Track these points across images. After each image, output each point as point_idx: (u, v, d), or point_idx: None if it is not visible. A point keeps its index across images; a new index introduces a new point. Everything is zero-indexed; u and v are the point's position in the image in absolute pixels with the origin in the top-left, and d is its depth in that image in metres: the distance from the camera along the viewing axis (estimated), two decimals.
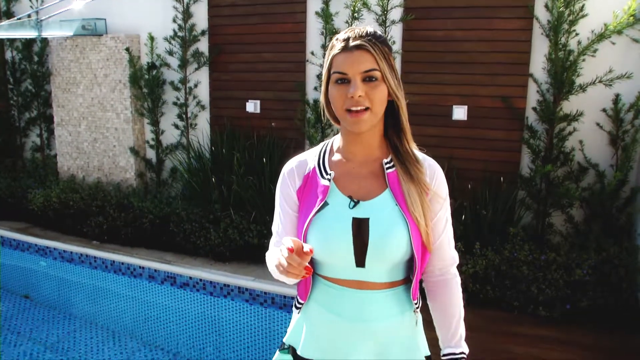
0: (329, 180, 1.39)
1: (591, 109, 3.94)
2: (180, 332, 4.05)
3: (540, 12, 3.94)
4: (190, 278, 4.16)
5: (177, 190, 5.45)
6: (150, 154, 5.73)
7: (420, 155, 1.44)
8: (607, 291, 3.53)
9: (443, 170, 1.46)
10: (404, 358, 1.41)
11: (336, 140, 1.47)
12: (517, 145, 4.19)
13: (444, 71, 4.33)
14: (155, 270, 4.30)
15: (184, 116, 5.40)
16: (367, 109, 1.30)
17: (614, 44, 3.80)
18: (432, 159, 1.46)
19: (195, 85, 5.36)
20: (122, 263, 4.46)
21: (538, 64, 4.04)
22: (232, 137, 5.10)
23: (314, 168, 1.44)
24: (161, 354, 3.94)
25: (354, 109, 1.30)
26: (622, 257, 3.61)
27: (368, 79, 1.30)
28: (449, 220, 1.46)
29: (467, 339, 1.55)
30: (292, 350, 1.48)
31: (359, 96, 1.28)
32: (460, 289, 1.51)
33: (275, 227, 1.49)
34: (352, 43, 1.30)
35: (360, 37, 1.31)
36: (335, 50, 1.33)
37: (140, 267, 4.37)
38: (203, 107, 5.38)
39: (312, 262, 1.44)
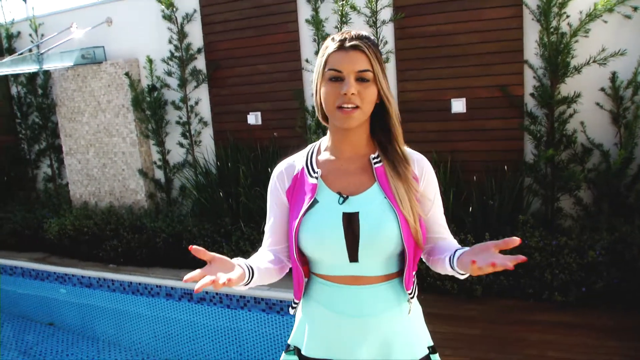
0: (317, 178, 1.43)
1: (590, 90, 3.92)
2: (200, 346, 4.10)
3: None
4: (207, 292, 4.21)
5: (188, 208, 5.53)
6: (159, 174, 5.82)
7: (408, 150, 1.46)
8: (622, 271, 3.51)
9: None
10: (407, 349, 1.43)
11: (324, 141, 1.51)
12: (519, 133, 4.18)
13: (439, 66, 4.35)
14: (172, 288, 4.37)
15: (187, 134, 5.47)
16: (357, 107, 1.34)
17: (605, 22, 3.78)
18: (419, 154, 1.48)
19: (196, 103, 5.44)
20: (139, 283, 4.53)
21: (532, 50, 4.04)
22: (236, 150, 5.16)
23: (303, 168, 1.47)
24: None
25: (345, 106, 1.33)
26: (634, 235, 3.58)
27: (361, 79, 1.34)
28: (442, 210, 1.49)
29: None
30: (297, 351, 1.51)
31: (352, 94, 1.32)
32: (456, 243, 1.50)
33: (267, 227, 1.53)
34: (348, 43, 1.35)
35: (357, 38, 1.35)
36: (331, 49, 1.37)
37: (157, 286, 4.44)
38: (205, 124, 5.45)
39: (308, 260, 1.47)
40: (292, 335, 1.55)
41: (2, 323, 5.01)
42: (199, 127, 5.48)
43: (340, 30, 4.15)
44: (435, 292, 3.85)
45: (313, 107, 4.81)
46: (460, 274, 1.38)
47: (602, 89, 3.88)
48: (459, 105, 4.31)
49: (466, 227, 4.03)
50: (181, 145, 5.52)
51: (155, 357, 4.19)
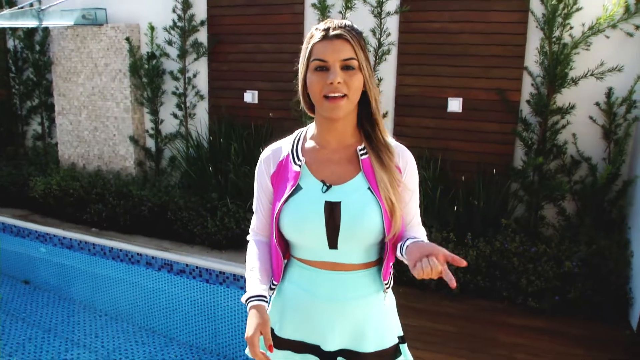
0: (300, 166, 1.44)
1: (585, 103, 3.96)
2: (176, 317, 4.12)
3: (536, 5, 3.96)
4: (187, 265, 4.22)
5: (176, 179, 5.52)
6: (150, 143, 5.79)
7: (393, 143, 1.48)
8: (597, 283, 3.58)
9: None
10: (378, 337, 1.47)
11: (310, 129, 1.52)
12: (511, 138, 4.22)
13: (439, 63, 4.36)
14: (153, 257, 4.37)
15: (182, 106, 5.44)
16: (344, 96, 1.35)
17: (608, 37, 3.81)
18: (403, 147, 1.50)
19: (194, 75, 5.40)
20: (121, 250, 4.52)
21: (533, 57, 4.06)
22: (230, 126, 5.15)
23: (288, 155, 1.49)
24: (158, 338, 4.02)
25: (332, 95, 1.34)
26: (612, 249, 3.65)
27: (346, 67, 1.35)
28: (418, 203, 1.52)
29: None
30: (271, 332, 1.53)
31: (338, 82, 1.33)
32: (424, 232, 1.54)
33: (254, 208, 1.57)
34: (332, 32, 1.35)
35: (340, 27, 1.35)
36: (316, 39, 1.37)
37: (138, 254, 4.44)
38: (202, 97, 5.43)
39: (288, 244, 1.49)
40: None
41: None
42: (194, 99, 5.45)
43: (345, 16, 4.14)
44: (413, 286, 3.89)
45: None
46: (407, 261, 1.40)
47: (597, 104, 3.92)
48: (455, 105, 4.33)
49: (450, 226, 4.07)
50: (175, 116, 5.49)
51: (129, 324, 4.21)
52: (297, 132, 1.54)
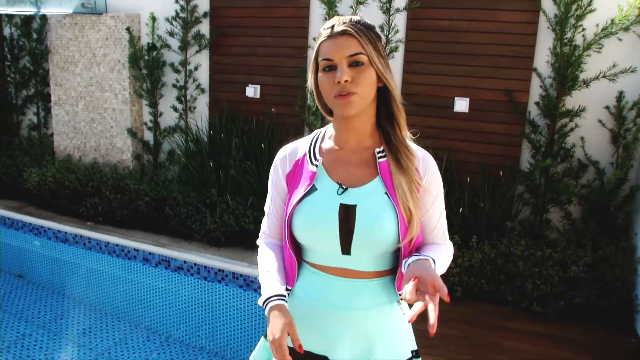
0: (317, 166, 1.40)
1: (594, 106, 3.90)
2: (173, 315, 4.04)
3: (548, 5, 3.89)
4: (185, 262, 4.14)
5: (174, 173, 5.42)
6: (148, 135, 5.69)
7: (413, 146, 1.43)
8: (602, 289, 3.53)
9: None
10: (390, 351, 1.41)
11: (329, 129, 1.48)
12: (518, 140, 4.16)
13: (447, 62, 4.28)
14: (150, 253, 4.28)
15: (183, 99, 5.34)
16: (354, 92, 1.30)
17: (620, 40, 3.75)
18: (425, 151, 1.44)
19: (196, 68, 5.30)
20: (117, 245, 4.43)
21: (542, 58, 4.00)
22: (231, 121, 5.06)
23: (304, 154, 1.44)
24: (153, 336, 3.94)
25: (341, 94, 1.30)
26: (618, 255, 3.60)
27: (354, 63, 1.30)
28: (443, 213, 1.45)
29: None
30: None
31: (345, 81, 1.28)
32: (450, 252, 1.45)
33: (266, 209, 1.53)
34: (336, 29, 1.31)
35: (345, 23, 1.32)
36: (322, 38, 1.34)
37: (134, 249, 4.35)
38: (202, 90, 5.32)
39: (299, 247, 1.44)
40: None
41: None
42: (195, 93, 5.35)
43: (355, 12, 4.06)
44: None
45: None
46: None
47: (607, 107, 3.86)
48: (462, 105, 4.26)
49: (454, 228, 4.01)
50: (175, 109, 5.38)
51: (124, 321, 4.12)
52: (315, 132, 1.50)
